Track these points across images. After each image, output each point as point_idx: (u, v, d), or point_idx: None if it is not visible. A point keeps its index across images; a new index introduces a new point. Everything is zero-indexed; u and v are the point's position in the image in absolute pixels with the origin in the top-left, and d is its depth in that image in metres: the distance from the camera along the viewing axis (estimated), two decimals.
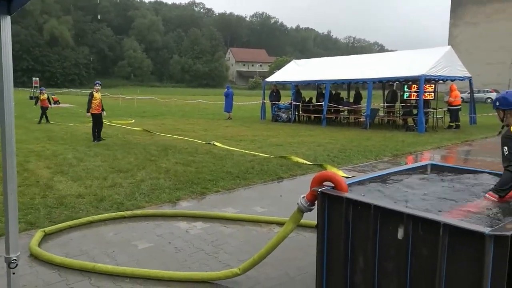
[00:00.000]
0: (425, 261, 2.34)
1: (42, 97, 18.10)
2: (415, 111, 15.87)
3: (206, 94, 53.15)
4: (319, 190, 2.93)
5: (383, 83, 18.76)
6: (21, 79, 65.93)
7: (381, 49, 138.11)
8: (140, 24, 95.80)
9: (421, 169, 4.06)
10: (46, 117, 17.83)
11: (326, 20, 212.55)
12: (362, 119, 17.87)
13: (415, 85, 15.23)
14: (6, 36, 1.99)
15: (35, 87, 39.05)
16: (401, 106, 17.14)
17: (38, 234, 4.35)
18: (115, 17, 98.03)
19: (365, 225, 2.64)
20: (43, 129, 14.92)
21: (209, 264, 3.86)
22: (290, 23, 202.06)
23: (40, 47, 77.50)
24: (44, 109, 17.70)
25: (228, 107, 20.99)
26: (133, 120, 19.10)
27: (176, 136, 13.09)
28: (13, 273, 2.22)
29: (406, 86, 15.68)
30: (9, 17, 2.00)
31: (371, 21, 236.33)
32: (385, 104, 18.23)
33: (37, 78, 42.04)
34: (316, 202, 3.04)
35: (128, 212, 5.24)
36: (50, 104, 18.61)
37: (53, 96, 33.24)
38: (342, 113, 19.49)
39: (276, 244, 3.36)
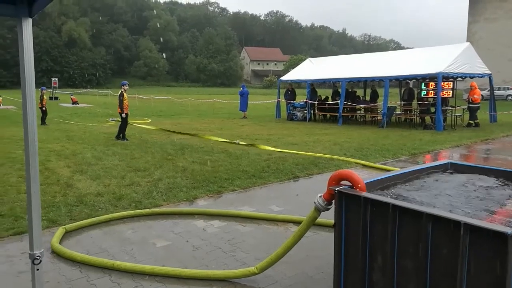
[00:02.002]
0: (445, 261, 2.31)
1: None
2: (432, 109, 15.63)
3: (221, 94, 53.41)
4: (337, 189, 2.91)
5: (399, 81, 18.53)
6: (41, 79, 67.30)
7: (397, 46, 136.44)
8: (155, 24, 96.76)
9: (440, 168, 4.00)
10: (42, 119, 16.81)
11: (341, 18, 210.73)
12: (378, 118, 17.69)
13: (432, 83, 15.00)
14: (28, 38, 2.04)
15: (54, 87, 39.92)
16: (418, 104, 16.90)
17: (59, 231, 4.45)
18: (131, 18, 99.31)
19: (384, 224, 2.62)
20: (62, 129, 15.21)
21: (227, 262, 3.88)
22: (304, 21, 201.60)
23: (58, 48, 79.10)
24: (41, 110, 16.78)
25: (243, 106, 21.04)
26: (150, 120, 19.30)
27: (205, 137, 13.18)
28: (37, 269, 2.27)
29: (423, 84, 15.45)
30: (30, 20, 2.04)
31: (387, 18, 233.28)
32: (402, 102, 18.00)
33: (56, 79, 42.98)
34: (333, 201, 3.02)
35: (146, 210, 5.30)
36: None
37: (72, 97, 33.94)
38: (359, 112, 19.32)
39: (293, 243, 3.36)
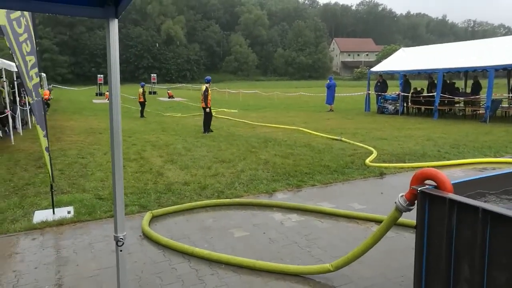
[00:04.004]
0: None
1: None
2: None
3: (309, 86, 53.05)
4: (419, 189, 2.70)
5: (508, 71, 16.56)
6: (143, 76, 73.36)
7: (508, 32, 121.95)
8: (246, 19, 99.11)
9: None
10: (141, 112, 18.07)
11: (440, 4, 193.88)
12: (481, 112, 16.04)
13: None
14: (114, 37, 2.19)
15: (153, 82, 43.23)
16: None
17: (148, 215, 4.80)
18: (223, 14, 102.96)
19: (472, 230, 2.35)
20: (158, 121, 16.39)
21: (302, 257, 3.84)
22: (399, 10, 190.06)
23: (158, 46, 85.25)
24: (140, 104, 18.20)
25: (330, 99, 20.63)
26: (236, 110, 19.90)
27: (306, 131, 13.25)
28: (120, 250, 2.46)
29: None
30: (116, 20, 2.20)
31: (496, 0, 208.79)
32: (510, 95, 16.07)
33: (155, 75, 46.47)
34: (416, 201, 2.80)
35: (228, 200, 5.48)
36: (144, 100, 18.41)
37: (168, 91, 36.43)
38: (457, 105, 17.75)
39: (372, 243, 3.20)
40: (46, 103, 19.78)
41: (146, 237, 4.34)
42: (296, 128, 13.30)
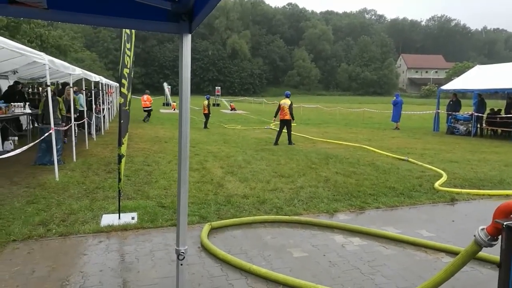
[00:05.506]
0: None
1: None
2: None
3: (373, 103, 51.57)
4: (506, 223, 2.41)
5: None
6: (207, 88, 76.02)
7: None
8: (310, 34, 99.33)
9: None
10: (205, 123, 18.82)
11: None
12: None
13: None
14: (187, 53, 2.22)
15: (217, 95, 44.60)
16: None
17: (206, 227, 4.83)
18: (287, 29, 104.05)
19: None
20: (220, 133, 16.73)
21: (364, 285, 3.62)
22: (474, 25, 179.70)
23: (223, 59, 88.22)
24: (205, 115, 18.89)
25: (396, 116, 19.84)
26: (295, 124, 19.80)
27: (369, 148, 12.93)
28: (181, 264, 2.46)
29: None
30: (190, 35, 2.22)
31: None
32: None
33: (219, 87, 47.93)
34: (499, 236, 2.51)
35: (287, 217, 5.36)
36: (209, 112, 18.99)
37: (231, 104, 37.31)
38: None
39: (445, 278, 2.91)
40: (148, 111, 21.31)
41: (205, 249, 4.35)
42: (359, 145, 12.89)
